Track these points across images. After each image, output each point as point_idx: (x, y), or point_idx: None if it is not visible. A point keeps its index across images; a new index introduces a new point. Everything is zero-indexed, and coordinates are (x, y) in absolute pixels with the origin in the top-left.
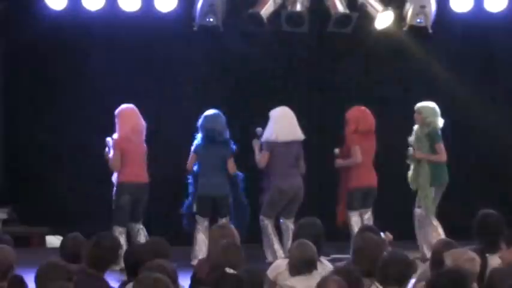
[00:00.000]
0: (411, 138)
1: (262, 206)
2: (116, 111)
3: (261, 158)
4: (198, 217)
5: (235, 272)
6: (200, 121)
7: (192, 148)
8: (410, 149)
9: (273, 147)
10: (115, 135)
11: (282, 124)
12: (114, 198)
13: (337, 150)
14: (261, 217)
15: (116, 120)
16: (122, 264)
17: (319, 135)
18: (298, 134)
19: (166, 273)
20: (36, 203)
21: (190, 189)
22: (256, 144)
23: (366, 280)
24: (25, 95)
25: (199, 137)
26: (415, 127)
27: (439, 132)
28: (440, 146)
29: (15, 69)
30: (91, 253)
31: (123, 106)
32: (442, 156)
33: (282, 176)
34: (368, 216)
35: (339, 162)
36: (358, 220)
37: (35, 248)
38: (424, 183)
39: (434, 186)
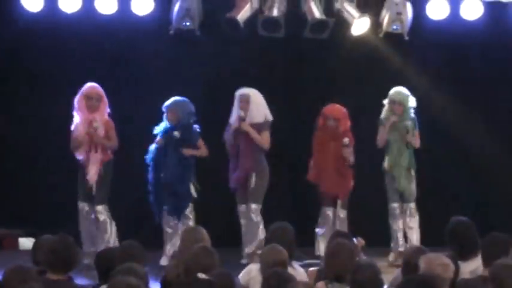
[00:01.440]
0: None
1: (259, 193)
2: (97, 92)
3: (267, 139)
4: None
5: (208, 277)
6: (193, 109)
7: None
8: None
9: (269, 126)
10: (98, 116)
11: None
12: (104, 175)
13: (347, 140)
14: (258, 206)
15: (101, 100)
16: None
17: (294, 139)
18: None
19: (138, 276)
20: (9, 205)
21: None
22: (248, 128)
23: (336, 285)
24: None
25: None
26: (392, 116)
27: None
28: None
29: None
30: (49, 260)
31: (96, 85)
32: (418, 142)
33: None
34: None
35: (348, 151)
36: None
37: (8, 250)
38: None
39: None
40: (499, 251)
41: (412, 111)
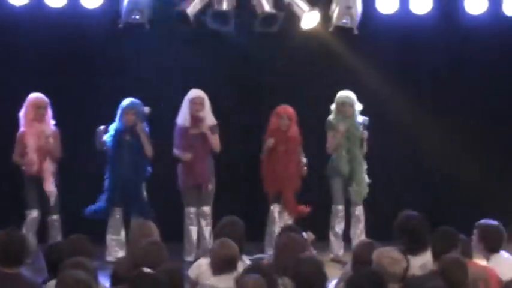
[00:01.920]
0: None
1: (212, 195)
2: (45, 100)
3: (218, 142)
4: None
5: (152, 271)
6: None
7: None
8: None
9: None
10: (46, 126)
11: None
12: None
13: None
14: (211, 208)
15: (48, 108)
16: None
17: (244, 134)
18: None
19: (86, 271)
20: None
21: None
22: (208, 130)
23: (285, 279)
24: None
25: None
26: (343, 119)
27: None
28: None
29: None
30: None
31: (41, 94)
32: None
33: None
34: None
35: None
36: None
37: None
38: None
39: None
40: (448, 245)
41: (359, 115)
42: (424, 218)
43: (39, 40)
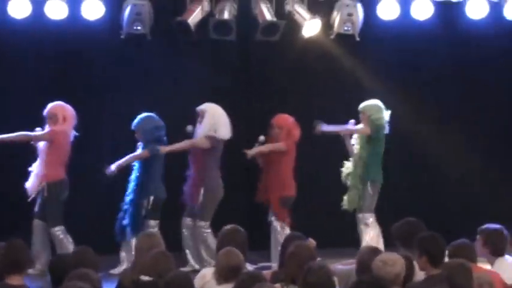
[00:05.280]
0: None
1: (203, 210)
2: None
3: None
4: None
5: (151, 279)
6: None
7: None
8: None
9: (216, 143)
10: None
11: (225, 121)
12: None
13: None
14: (205, 223)
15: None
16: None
17: (246, 141)
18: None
19: (91, 282)
20: None
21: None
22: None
23: (292, 287)
24: None
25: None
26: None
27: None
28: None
29: None
30: (3, 265)
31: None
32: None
33: (219, 177)
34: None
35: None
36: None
37: None
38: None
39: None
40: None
41: (381, 123)
42: (421, 223)
43: (40, 53)
